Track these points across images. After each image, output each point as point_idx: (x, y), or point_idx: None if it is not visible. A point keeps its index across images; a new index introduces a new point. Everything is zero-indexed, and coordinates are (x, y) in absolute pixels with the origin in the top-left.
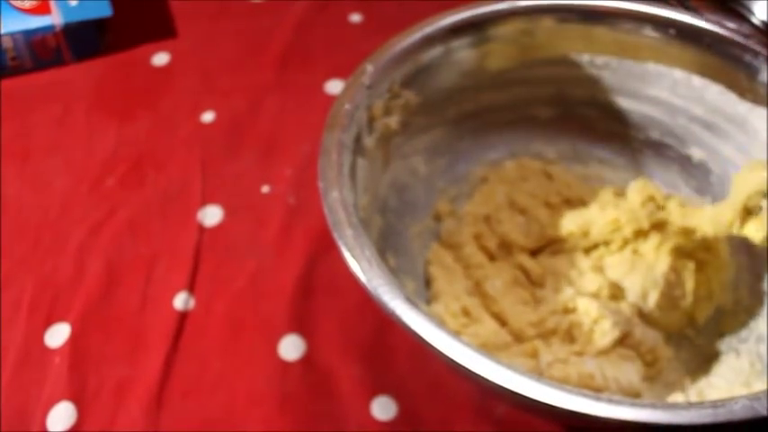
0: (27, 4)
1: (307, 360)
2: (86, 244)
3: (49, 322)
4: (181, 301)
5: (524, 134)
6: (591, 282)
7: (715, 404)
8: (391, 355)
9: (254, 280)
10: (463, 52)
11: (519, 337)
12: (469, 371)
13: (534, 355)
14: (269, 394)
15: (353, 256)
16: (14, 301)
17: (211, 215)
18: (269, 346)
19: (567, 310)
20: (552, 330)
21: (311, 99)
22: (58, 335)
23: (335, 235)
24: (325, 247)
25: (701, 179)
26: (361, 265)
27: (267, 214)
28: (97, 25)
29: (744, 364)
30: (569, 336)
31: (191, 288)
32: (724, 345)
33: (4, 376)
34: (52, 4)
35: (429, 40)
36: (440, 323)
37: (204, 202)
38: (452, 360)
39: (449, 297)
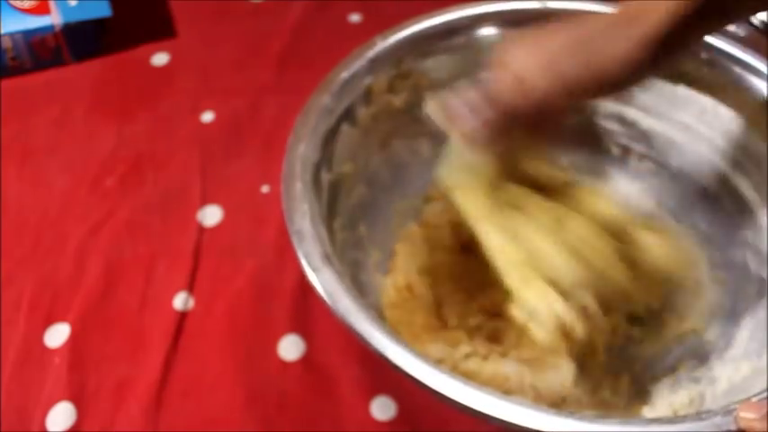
0: (27, 4)
1: (306, 360)
2: (86, 244)
3: (48, 322)
4: (180, 301)
5: None
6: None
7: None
8: None
9: (254, 280)
10: (485, 42)
11: (446, 325)
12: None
13: (455, 344)
14: (269, 394)
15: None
16: (14, 301)
17: (211, 215)
18: (269, 346)
19: (498, 313)
20: (477, 327)
21: None
22: (57, 335)
23: (283, 186)
24: None
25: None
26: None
27: (267, 214)
28: (97, 25)
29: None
30: (495, 337)
31: (190, 288)
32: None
33: (3, 376)
34: (52, 5)
35: (450, 27)
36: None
37: (204, 202)
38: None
39: (400, 272)
